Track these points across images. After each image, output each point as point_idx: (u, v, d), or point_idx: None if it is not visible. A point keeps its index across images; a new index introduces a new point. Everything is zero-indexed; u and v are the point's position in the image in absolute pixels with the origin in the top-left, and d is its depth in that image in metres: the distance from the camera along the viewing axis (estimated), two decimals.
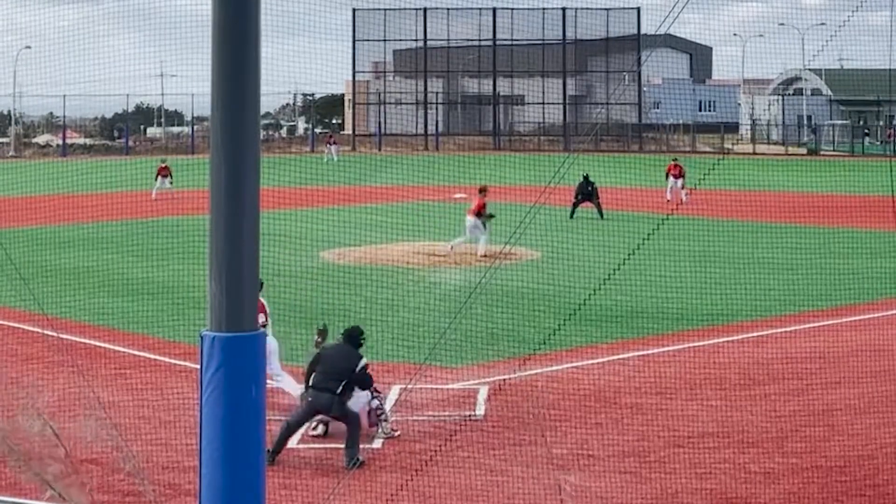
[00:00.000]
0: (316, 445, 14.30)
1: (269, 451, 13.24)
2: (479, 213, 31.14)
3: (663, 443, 14.33)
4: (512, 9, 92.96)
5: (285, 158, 59.36)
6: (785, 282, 26.14)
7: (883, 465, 13.50)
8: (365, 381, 14.06)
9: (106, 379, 17.13)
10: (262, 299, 15.74)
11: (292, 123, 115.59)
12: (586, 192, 40.93)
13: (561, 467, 13.47)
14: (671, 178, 47.11)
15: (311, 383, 13.96)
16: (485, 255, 30.25)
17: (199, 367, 8.24)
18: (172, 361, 18.57)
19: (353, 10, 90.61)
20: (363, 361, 14.05)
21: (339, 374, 13.83)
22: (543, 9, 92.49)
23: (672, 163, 48.60)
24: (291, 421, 13.95)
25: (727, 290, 24.43)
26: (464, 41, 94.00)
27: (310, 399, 13.87)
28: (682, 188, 45.43)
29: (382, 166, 63.04)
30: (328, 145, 74.92)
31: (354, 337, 14.26)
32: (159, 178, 48.75)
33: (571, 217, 40.05)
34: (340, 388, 13.74)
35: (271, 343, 15.60)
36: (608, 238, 34.08)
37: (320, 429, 14.69)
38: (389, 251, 31.15)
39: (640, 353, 19.26)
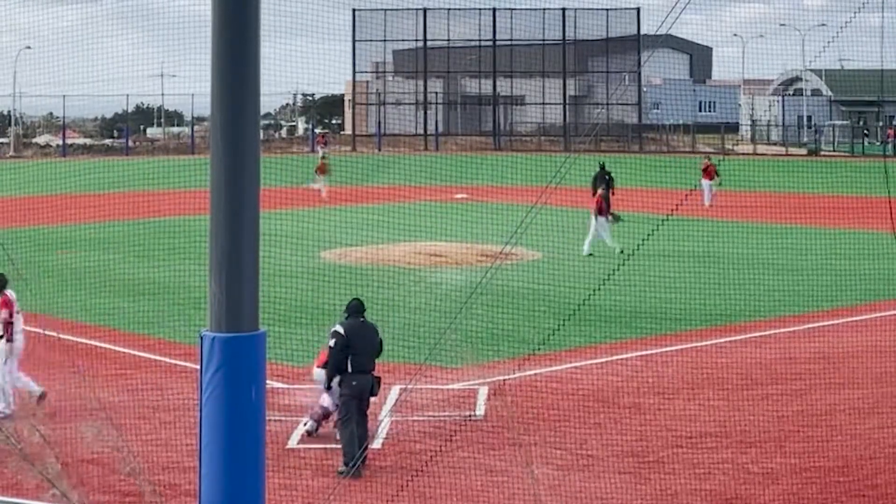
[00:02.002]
0: (316, 446, 14.28)
1: (348, 466, 13.14)
2: (600, 209, 30.70)
3: (663, 443, 14.32)
4: (512, 9, 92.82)
5: (285, 158, 59.38)
6: (786, 282, 26.13)
7: (884, 466, 13.49)
8: (380, 347, 13.95)
9: (106, 379, 17.11)
10: (7, 293, 15.72)
11: (292, 123, 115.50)
12: (605, 181, 39.60)
13: (562, 467, 13.46)
14: (704, 181, 43.72)
15: (351, 369, 13.46)
16: (590, 254, 30.03)
17: (199, 367, 8.23)
18: (172, 361, 18.56)
19: (353, 10, 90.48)
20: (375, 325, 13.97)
21: (374, 350, 13.70)
22: (543, 9, 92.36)
23: (706, 161, 45.48)
24: (353, 422, 13.41)
25: (728, 291, 24.42)
26: (464, 41, 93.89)
27: (354, 384, 13.45)
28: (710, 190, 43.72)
29: (382, 166, 63.00)
30: (320, 146, 74.12)
31: (361, 308, 13.87)
32: (319, 174, 47.40)
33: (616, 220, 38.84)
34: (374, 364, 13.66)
35: (17, 342, 15.66)
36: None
37: (310, 425, 14.60)
38: (389, 251, 31.13)
39: (640, 353, 19.25)
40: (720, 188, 44.38)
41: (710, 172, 44.03)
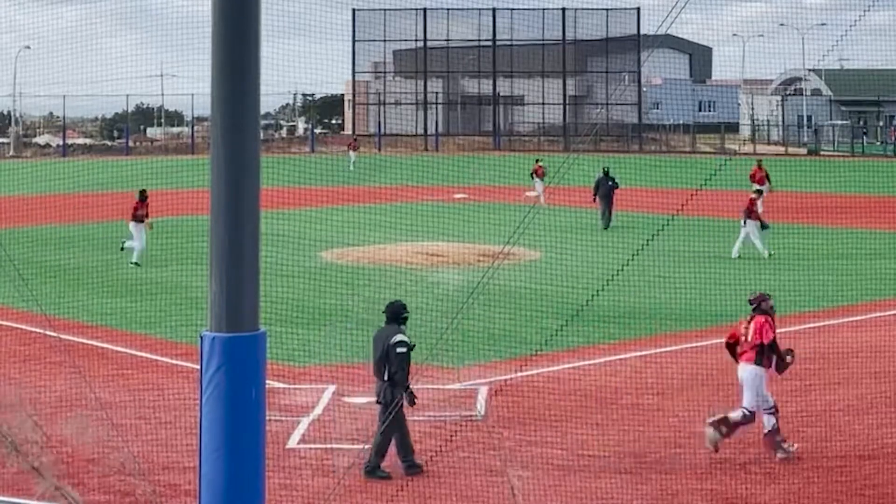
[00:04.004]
0: (316, 446, 14.29)
1: (370, 462, 13.16)
2: (750, 212, 30.46)
3: (663, 443, 14.32)
4: (512, 9, 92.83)
5: (285, 158, 59.32)
6: (785, 282, 26.11)
7: (883, 465, 13.50)
8: (397, 359, 13.12)
9: (106, 379, 17.13)
10: None
11: (292, 123, 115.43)
12: (606, 187, 38.63)
13: (561, 467, 13.47)
14: (755, 186, 41.51)
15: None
16: (770, 255, 29.84)
17: (199, 367, 8.24)
18: (172, 361, 18.57)
19: (353, 10, 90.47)
20: (398, 337, 13.26)
21: (380, 356, 13.30)
22: (543, 9, 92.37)
23: (757, 166, 43.87)
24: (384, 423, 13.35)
25: (727, 290, 24.39)
26: (464, 41, 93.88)
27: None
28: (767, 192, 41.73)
29: (382, 166, 62.98)
30: (351, 150, 70.14)
31: (395, 313, 13.56)
32: (536, 177, 45.40)
33: (606, 226, 37.60)
34: (387, 372, 13.19)
35: None
36: (608, 238, 34.10)
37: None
38: (389, 251, 31.14)
39: (640, 353, 19.25)
40: (772, 191, 43.19)
41: (760, 178, 42.56)
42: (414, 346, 13.70)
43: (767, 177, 42.98)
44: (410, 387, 13.36)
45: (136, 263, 29.12)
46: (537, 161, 45.92)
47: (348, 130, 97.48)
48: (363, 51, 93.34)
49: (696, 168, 47.09)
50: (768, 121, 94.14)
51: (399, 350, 13.22)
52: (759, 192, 31.20)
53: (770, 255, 29.93)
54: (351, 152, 68.97)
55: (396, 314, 13.59)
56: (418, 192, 42.57)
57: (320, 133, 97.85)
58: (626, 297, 23.24)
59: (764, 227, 30.68)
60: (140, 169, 57.07)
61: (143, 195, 30.85)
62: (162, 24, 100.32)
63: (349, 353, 18.90)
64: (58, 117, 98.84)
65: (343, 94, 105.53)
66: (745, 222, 30.54)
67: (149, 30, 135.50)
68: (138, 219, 30.16)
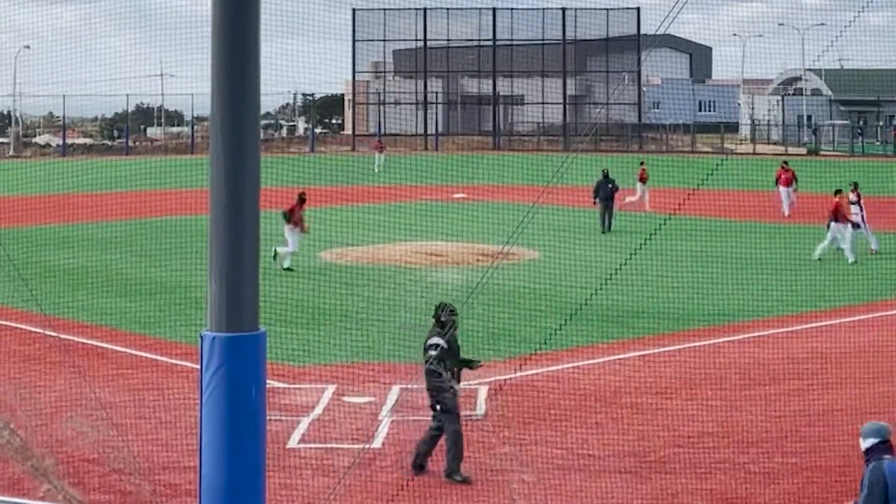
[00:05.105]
0: (316, 445, 14.29)
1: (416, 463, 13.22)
2: (837, 215, 30.11)
3: (663, 443, 14.33)
4: (512, 9, 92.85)
5: (285, 158, 59.33)
6: (785, 282, 26.13)
7: None
8: (424, 357, 13.21)
9: (106, 379, 17.13)
10: None
11: (292, 123, 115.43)
12: (606, 190, 37.96)
13: (562, 467, 13.47)
14: (781, 188, 41.81)
15: None
16: (854, 262, 29.39)
17: (199, 367, 8.24)
18: (172, 361, 18.57)
19: (353, 10, 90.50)
20: (431, 340, 13.27)
21: (425, 358, 13.35)
22: (543, 9, 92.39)
23: (781, 168, 42.80)
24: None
25: (727, 290, 24.40)
26: (464, 41, 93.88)
27: None
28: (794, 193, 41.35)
29: (382, 166, 62.96)
30: (378, 152, 67.42)
31: (437, 315, 13.56)
32: (640, 181, 43.15)
33: (606, 230, 36.77)
34: (435, 374, 13.10)
35: None
36: (607, 238, 34.13)
37: None
38: (389, 251, 31.13)
39: (640, 353, 19.25)
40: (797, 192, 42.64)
41: (787, 179, 42.09)
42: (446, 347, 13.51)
43: (795, 177, 42.56)
44: (454, 386, 13.32)
45: (288, 268, 27.68)
46: (641, 164, 44.72)
47: (348, 130, 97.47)
48: (363, 51, 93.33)
49: (696, 168, 46.95)
50: (768, 121, 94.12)
51: (429, 353, 13.23)
52: (839, 191, 30.89)
53: (818, 258, 29.60)
54: (377, 153, 67.24)
55: (436, 316, 13.57)
56: (418, 192, 42.56)
57: (320, 133, 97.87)
58: (625, 297, 23.24)
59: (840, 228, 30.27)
60: (140, 169, 57.10)
61: (301, 198, 29.37)
62: (161, 23, 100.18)
63: (349, 353, 18.92)
64: (57, 117, 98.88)
65: (343, 94, 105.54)
66: (845, 226, 30.02)
67: (148, 30, 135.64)
68: (294, 221, 28.63)
